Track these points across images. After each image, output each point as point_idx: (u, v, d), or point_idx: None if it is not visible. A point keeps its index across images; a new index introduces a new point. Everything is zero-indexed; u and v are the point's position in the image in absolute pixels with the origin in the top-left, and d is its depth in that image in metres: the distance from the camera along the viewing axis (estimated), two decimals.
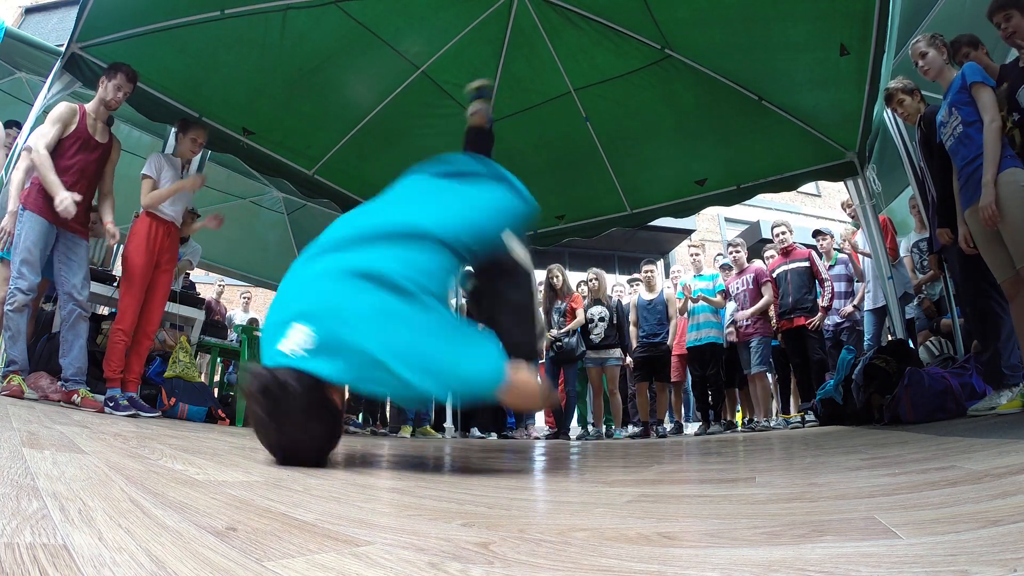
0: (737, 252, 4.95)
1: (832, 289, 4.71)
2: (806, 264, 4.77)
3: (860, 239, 4.74)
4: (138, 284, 2.96)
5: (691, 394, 6.01)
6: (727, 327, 5.04)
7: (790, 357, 4.83)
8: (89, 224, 2.97)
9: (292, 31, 3.53)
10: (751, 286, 4.81)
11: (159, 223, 3.09)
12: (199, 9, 3.26)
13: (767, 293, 4.70)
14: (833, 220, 10.33)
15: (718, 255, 7.32)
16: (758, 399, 4.85)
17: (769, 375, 5.12)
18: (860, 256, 4.60)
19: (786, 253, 4.90)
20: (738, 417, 5.27)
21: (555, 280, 5.40)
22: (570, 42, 3.96)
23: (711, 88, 3.97)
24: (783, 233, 4.93)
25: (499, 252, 1.70)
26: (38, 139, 2.70)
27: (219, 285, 7.05)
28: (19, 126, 3.47)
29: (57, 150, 2.77)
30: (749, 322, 4.74)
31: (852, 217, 4.84)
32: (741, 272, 4.94)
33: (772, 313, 4.81)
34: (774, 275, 4.86)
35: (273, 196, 6.34)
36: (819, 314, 4.65)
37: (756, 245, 5.43)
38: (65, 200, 2.61)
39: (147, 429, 2.01)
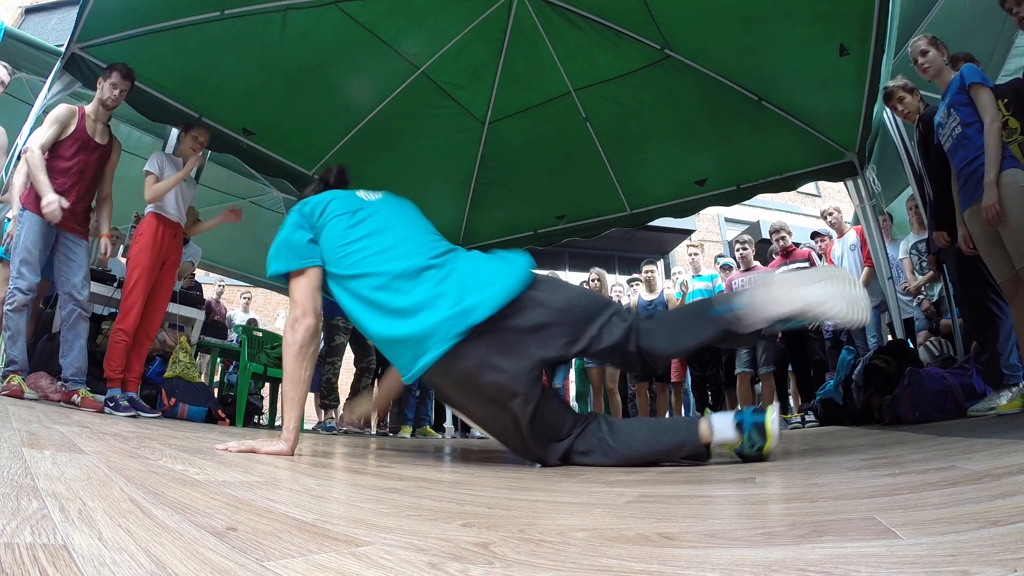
0: (744, 249, 4.94)
1: None
2: (806, 265, 4.77)
3: (837, 247, 4.74)
4: (143, 284, 2.96)
5: (691, 394, 6.01)
6: None
7: (790, 357, 4.83)
8: (89, 225, 2.97)
9: (292, 31, 3.53)
10: None
11: (165, 224, 3.09)
12: (199, 9, 3.26)
13: None
14: None
15: (718, 256, 7.32)
16: (745, 399, 4.86)
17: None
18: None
19: (786, 254, 4.90)
20: None
21: None
22: (570, 42, 3.96)
23: (711, 88, 3.96)
24: (783, 238, 4.92)
25: None
26: (34, 139, 2.70)
27: (219, 285, 7.05)
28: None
29: (56, 151, 2.77)
30: None
31: (832, 226, 4.84)
32: (748, 270, 4.92)
33: None
34: None
35: (273, 196, 6.34)
36: None
37: (756, 245, 5.43)
38: (52, 204, 2.59)
39: (147, 429, 2.01)
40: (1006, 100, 2.49)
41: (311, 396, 6.89)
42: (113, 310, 3.37)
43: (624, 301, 5.65)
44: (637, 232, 9.23)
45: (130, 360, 2.96)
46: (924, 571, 0.41)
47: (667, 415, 5.23)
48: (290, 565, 0.45)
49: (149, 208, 3.09)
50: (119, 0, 3.10)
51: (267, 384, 4.83)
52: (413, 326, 1.48)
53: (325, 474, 1.26)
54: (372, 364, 4.52)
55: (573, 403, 6.13)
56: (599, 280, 5.29)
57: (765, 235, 6.77)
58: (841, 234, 4.75)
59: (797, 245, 5.03)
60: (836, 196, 11.61)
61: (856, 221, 4.76)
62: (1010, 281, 2.40)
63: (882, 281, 4.00)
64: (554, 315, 1.54)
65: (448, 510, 0.79)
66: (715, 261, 6.59)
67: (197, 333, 4.13)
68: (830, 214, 4.81)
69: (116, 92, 2.86)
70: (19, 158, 3.01)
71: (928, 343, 3.97)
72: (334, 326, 4.32)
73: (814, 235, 5.28)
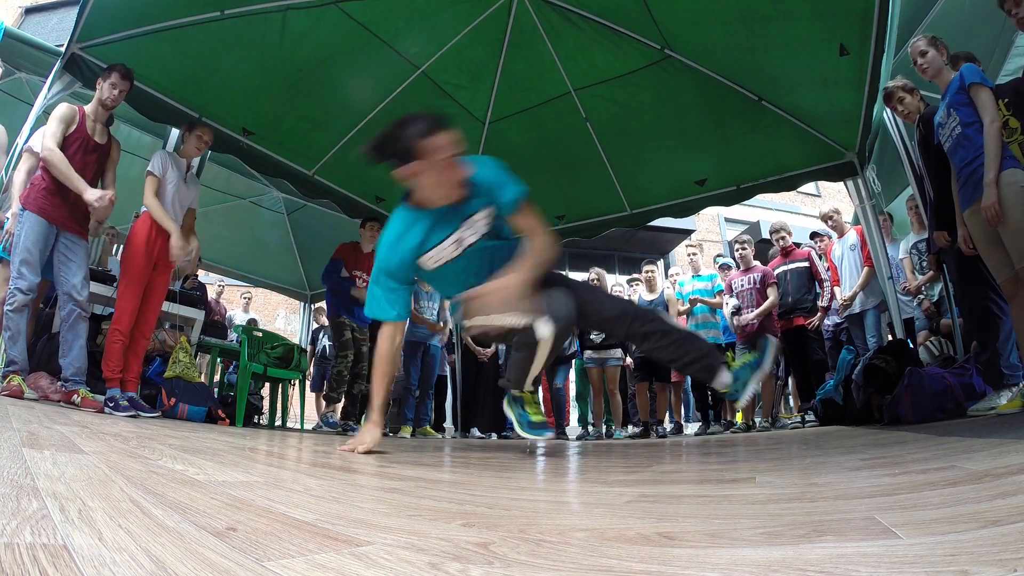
0: (744, 249, 4.94)
1: (831, 289, 4.71)
2: (805, 264, 4.77)
3: (838, 247, 4.73)
4: (136, 284, 2.95)
5: (691, 394, 6.01)
6: (732, 319, 5.03)
7: (789, 357, 4.83)
8: (89, 225, 2.96)
9: (292, 31, 3.53)
10: (757, 285, 4.80)
11: (159, 225, 3.08)
12: (199, 9, 3.26)
13: (772, 294, 4.70)
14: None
15: (717, 256, 7.31)
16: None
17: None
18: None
19: (786, 253, 4.90)
20: (739, 417, 5.26)
21: None
22: (570, 42, 3.96)
23: (711, 88, 3.96)
24: (783, 238, 4.92)
25: None
26: (48, 139, 2.70)
27: (219, 285, 7.05)
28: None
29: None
30: (756, 322, 4.73)
31: (833, 227, 4.84)
32: (747, 270, 4.92)
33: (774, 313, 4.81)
34: (774, 274, 4.85)
35: (273, 196, 6.34)
36: (818, 314, 4.65)
37: (757, 245, 5.44)
38: (104, 197, 2.72)
39: (147, 429, 2.01)
40: (1007, 100, 2.48)
41: (312, 395, 6.90)
42: (113, 310, 3.37)
43: None
44: (637, 232, 9.23)
45: (128, 360, 2.95)
46: (924, 571, 0.41)
47: (667, 415, 5.22)
48: (290, 565, 0.45)
49: (144, 207, 3.09)
50: (119, 0, 3.10)
51: (267, 384, 4.83)
52: None
53: (325, 474, 1.26)
54: (364, 370, 4.48)
55: (573, 403, 6.13)
56: (599, 280, 5.28)
57: (765, 235, 6.77)
58: (841, 234, 4.75)
59: (797, 245, 5.03)
60: (836, 196, 11.61)
61: (856, 221, 4.75)
62: (1010, 281, 2.40)
63: (882, 281, 4.00)
64: None
65: (448, 510, 0.79)
66: (714, 261, 6.59)
67: (197, 333, 4.13)
68: (830, 217, 4.81)
69: (115, 92, 2.86)
70: (19, 157, 3.01)
71: (928, 343, 3.97)
72: (341, 323, 4.33)
73: (813, 235, 5.27)
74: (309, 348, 6.69)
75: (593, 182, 5.01)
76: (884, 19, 3.01)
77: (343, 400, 4.45)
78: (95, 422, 2.00)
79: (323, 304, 6.07)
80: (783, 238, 4.92)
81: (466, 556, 0.50)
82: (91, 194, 2.72)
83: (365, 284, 4.46)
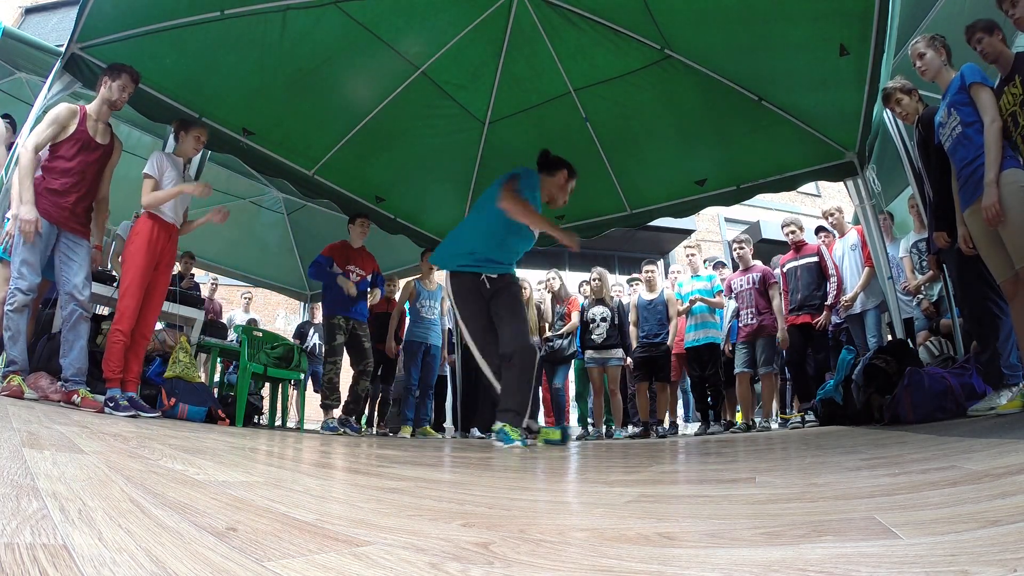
0: (742, 249, 4.92)
1: (839, 285, 4.66)
2: (815, 259, 4.73)
3: (839, 247, 4.71)
4: (138, 285, 2.95)
5: (690, 394, 6.01)
6: (727, 328, 5.03)
7: (791, 355, 4.81)
8: (90, 225, 2.96)
9: (292, 31, 3.53)
10: (756, 286, 4.77)
11: (160, 225, 3.08)
12: (199, 9, 3.26)
13: (776, 296, 4.67)
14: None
15: (707, 260, 7.28)
16: (744, 399, 4.86)
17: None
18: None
19: (797, 248, 4.84)
20: (738, 417, 5.26)
21: (553, 282, 5.43)
22: (570, 42, 3.96)
23: (711, 88, 3.96)
24: (793, 233, 4.86)
25: None
26: (31, 138, 2.70)
27: (212, 283, 6.96)
28: (9, 119, 3.46)
29: (57, 151, 2.77)
30: (756, 321, 4.71)
31: (834, 226, 4.82)
32: (746, 270, 4.90)
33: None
34: (784, 269, 4.79)
35: (273, 196, 6.34)
36: (824, 312, 4.63)
37: (757, 245, 5.41)
38: (29, 223, 2.59)
39: (147, 429, 2.01)
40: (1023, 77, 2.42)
41: (314, 396, 6.88)
42: (113, 310, 3.37)
43: (624, 300, 5.65)
44: (637, 232, 9.23)
45: (128, 360, 2.95)
46: (924, 571, 0.41)
47: (666, 416, 5.22)
48: (290, 565, 0.45)
49: (143, 209, 3.09)
50: (119, 0, 3.10)
51: (267, 384, 4.83)
52: None
53: (325, 474, 1.26)
54: (369, 367, 4.51)
55: (573, 403, 6.13)
56: (600, 279, 5.29)
57: (765, 235, 6.75)
58: (842, 234, 4.74)
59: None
60: (836, 196, 11.60)
61: (856, 221, 4.74)
62: (1010, 281, 2.40)
63: (882, 281, 3.99)
64: None
65: (448, 510, 0.79)
66: (706, 262, 6.56)
67: (197, 333, 4.13)
68: (831, 215, 4.80)
69: (124, 95, 2.91)
70: (18, 159, 3.02)
71: (928, 343, 3.96)
72: (334, 325, 4.32)
73: (819, 230, 5.22)
74: (295, 343, 6.64)
75: (593, 182, 5.00)
76: (884, 19, 3.01)
77: (341, 400, 4.46)
78: (95, 422, 2.00)
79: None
80: (793, 232, 4.86)
81: (466, 556, 0.50)
82: (25, 211, 2.61)
83: (359, 278, 4.46)
